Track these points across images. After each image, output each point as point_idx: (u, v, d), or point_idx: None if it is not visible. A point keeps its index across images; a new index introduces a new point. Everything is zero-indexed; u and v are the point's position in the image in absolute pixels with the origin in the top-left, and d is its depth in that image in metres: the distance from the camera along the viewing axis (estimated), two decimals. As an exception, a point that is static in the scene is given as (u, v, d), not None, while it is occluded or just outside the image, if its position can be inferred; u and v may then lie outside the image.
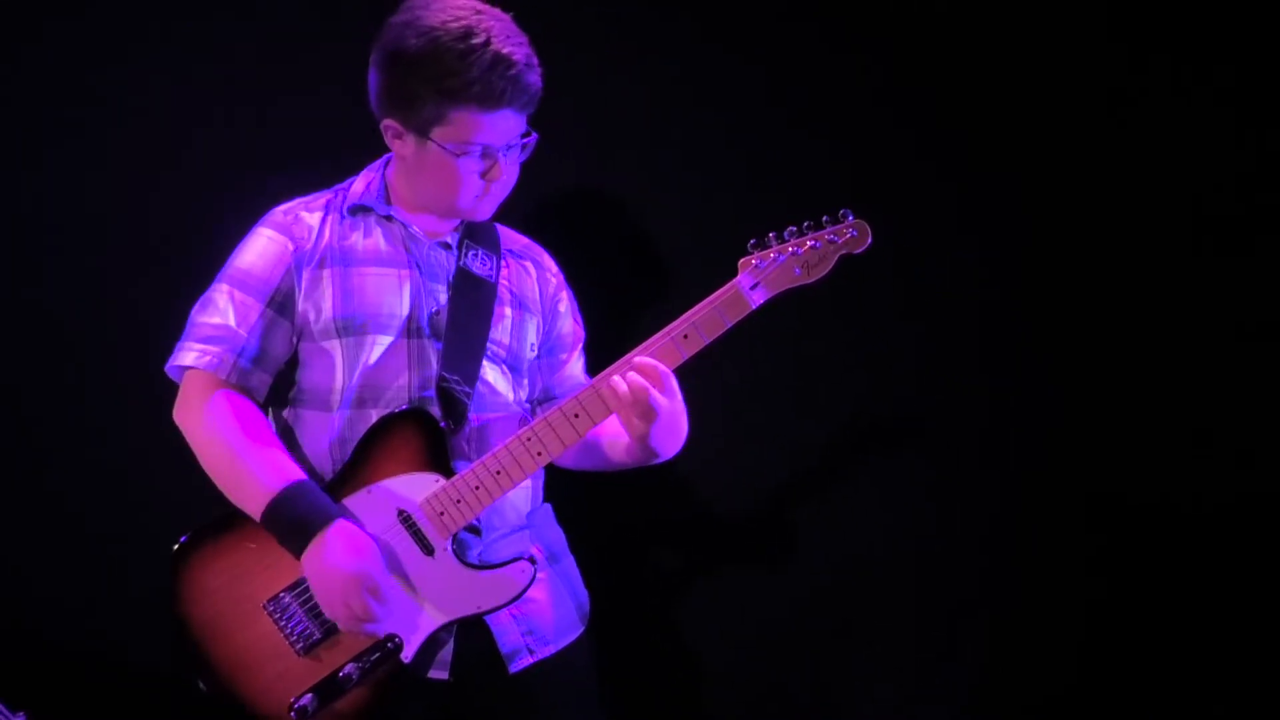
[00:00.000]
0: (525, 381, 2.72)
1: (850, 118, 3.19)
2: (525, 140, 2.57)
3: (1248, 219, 3.07)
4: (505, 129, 2.52)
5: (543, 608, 2.63)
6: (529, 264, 2.76)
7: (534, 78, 2.51)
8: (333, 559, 2.42)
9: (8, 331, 3.23)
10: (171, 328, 2.62)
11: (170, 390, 2.61)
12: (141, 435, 3.10)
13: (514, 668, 2.59)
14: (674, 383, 2.49)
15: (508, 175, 2.57)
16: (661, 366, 2.46)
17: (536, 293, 2.75)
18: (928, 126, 3.16)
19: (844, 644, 3.25)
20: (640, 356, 2.47)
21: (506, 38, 2.48)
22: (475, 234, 2.70)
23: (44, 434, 3.26)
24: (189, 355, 2.56)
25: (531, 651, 2.61)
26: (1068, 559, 3.18)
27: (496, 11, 2.53)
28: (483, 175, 2.55)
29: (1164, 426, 3.13)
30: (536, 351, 2.74)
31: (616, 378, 2.46)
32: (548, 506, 2.77)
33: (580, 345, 2.83)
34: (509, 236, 2.78)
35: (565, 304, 2.80)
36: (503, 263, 2.71)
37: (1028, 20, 3.10)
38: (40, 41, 3.18)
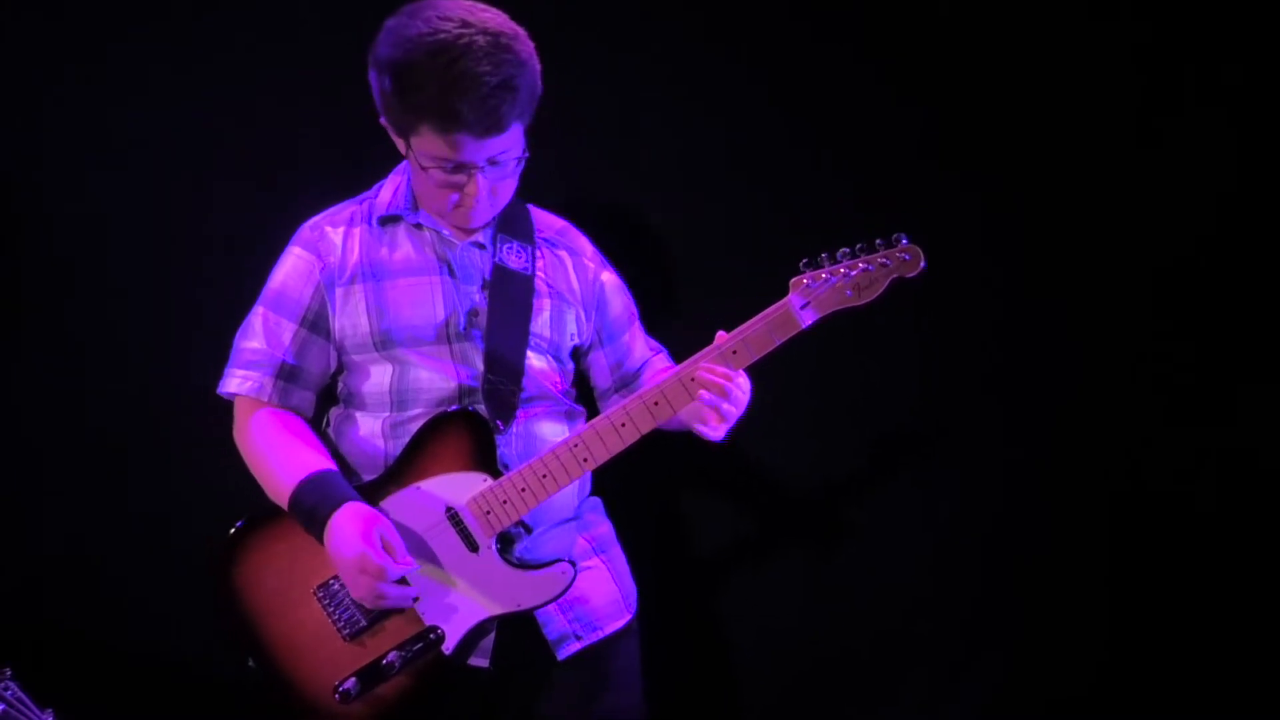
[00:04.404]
0: (569, 368, 2.74)
1: (875, 128, 3.21)
2: (504, 159, 2.50)
3: (1263, 219, 3.09)
4: (470, 150, 2.45)
5: (589, 595, 2.66)
6: (564, 253, 2.73)
7: (502, 103, 2.41)
8: (337, 544, 2.47)
9: (74, 339, 3.29)
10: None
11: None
12: (170, 437, 3.21)
13: (562, 654, 2.63)
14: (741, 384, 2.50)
15: (484, 191, 2.51)
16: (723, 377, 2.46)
17: (575, 283, 2.72)
18: (942, 134, 3.19)
19: (880, 645, 3.29)
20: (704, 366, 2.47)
21: (484, 57, 2.39)
22: (509, 225, 2.68)
23: (70, 436, 3.30)
24: (233, 382, 2.66)
25: (579, 637, 2.65)
26: (1091, 563, 3.21)
27: (493, 24, 2.44)
28: (457, 189, 2.52)
29: (1182, 429, 3.16)
30: (578, 339, 2.73)
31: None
32: (597, 500, 2.79)
33: (636, 318, 2.82)
34: (543, 221, 2.75)
35: (609, 286, 2.77)
36: (538, 252, 2.69)
37: (1049, 30, 3.11)
38: (100, 59, 3.22)
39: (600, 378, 2.80)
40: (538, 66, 2.50)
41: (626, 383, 2.79)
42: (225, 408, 3.20)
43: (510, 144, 2.49)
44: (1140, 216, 3.12)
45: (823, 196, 3.20)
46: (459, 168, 2.48)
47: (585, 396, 2.83)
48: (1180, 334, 3.12)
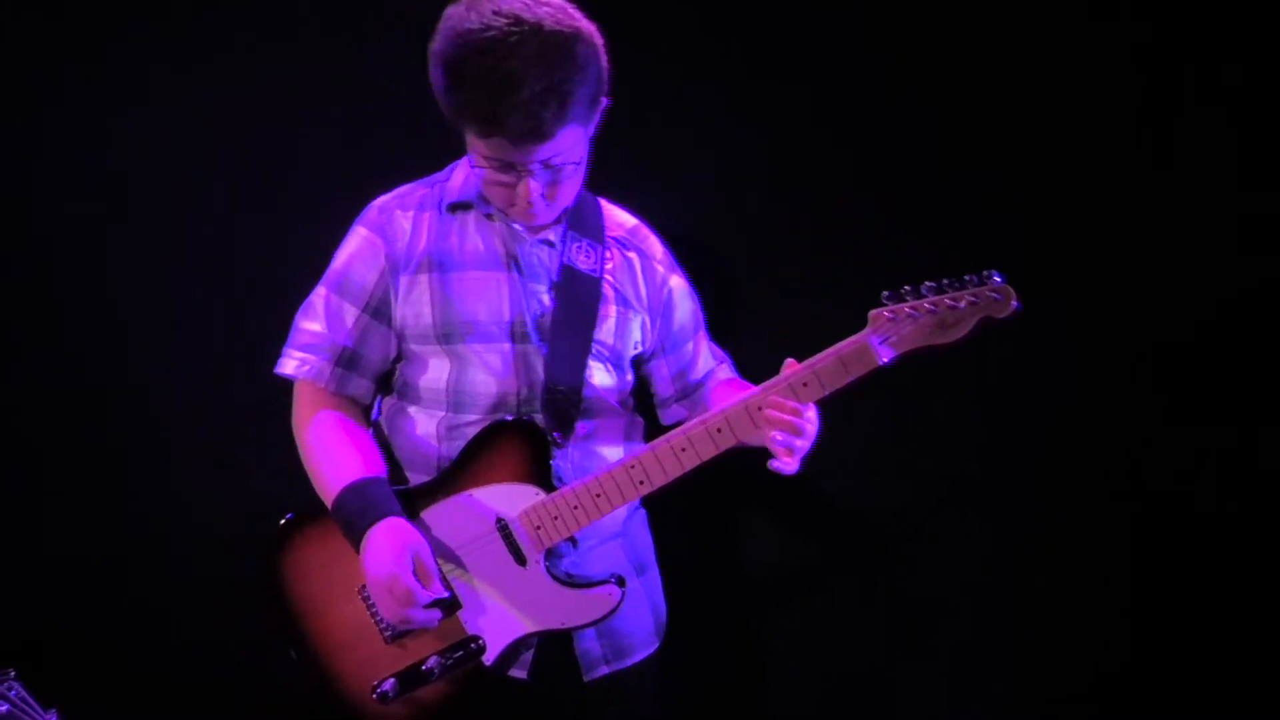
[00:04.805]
0: (629, 376, 2.66)
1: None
2: (558, 164, 2.39)
3: (1263, 218, 3.08)
4: (514, 154, 2.36)
5: (624, 621, 2.61)
6: (634, 255, 2.65)
7: (544, 109, 2.28)
8: (370, 559, 2.44)
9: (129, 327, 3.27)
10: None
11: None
12: (170, 437, 3.21)
13: (588, 676, 2.61)
14: (811, 418, 2.42)
15: (535, 194, 2.41)
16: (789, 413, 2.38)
17: (643, 288, 2.64)
18: (941, 134, 3.18)
19: (889, 649, 3.28)
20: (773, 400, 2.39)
21: (532, 59, 2.27)
22: (580, 221, 2.59)
23: (70, 436, 3.29)
24: (290, 364, 2.58)
25: (608, 663, 2.62)
26: (1090, 563, 3.21)
27: (551, 22, 2.30)
28: (509, 188, 2.43)
29: (1182, 429, 3.14)
30: (641, 348, 2.66)
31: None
32: (643, 513, 2.75)
33: (702, 326, 2.74)
34: (613, 219, 2.67)
35: (678, 292, 2.69)
36: (607, 253, 2.61)
37: (1049, 30, 3.10)
38: (100, 59, 3.20)
39: (662, 386, 2.74)
40: (602, 67, 2.38)
41: (688, 393, 2.74)
42: (229, 407, 3.22)
43: (563, 149, 2.37)
44: (1140, 216, 3.12)
45: (827, 198, 3.20)
46: (507, 167, 2.39)
47: (644, 404, 2.79)
48: (1181, 334, 3.12)
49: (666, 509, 2.80)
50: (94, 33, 3.18)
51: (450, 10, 2.37)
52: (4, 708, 2.10)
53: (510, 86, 2.27)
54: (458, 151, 2.58)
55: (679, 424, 2.52)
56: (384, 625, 2.51)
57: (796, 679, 3.32)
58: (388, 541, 2.43)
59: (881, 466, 3.23)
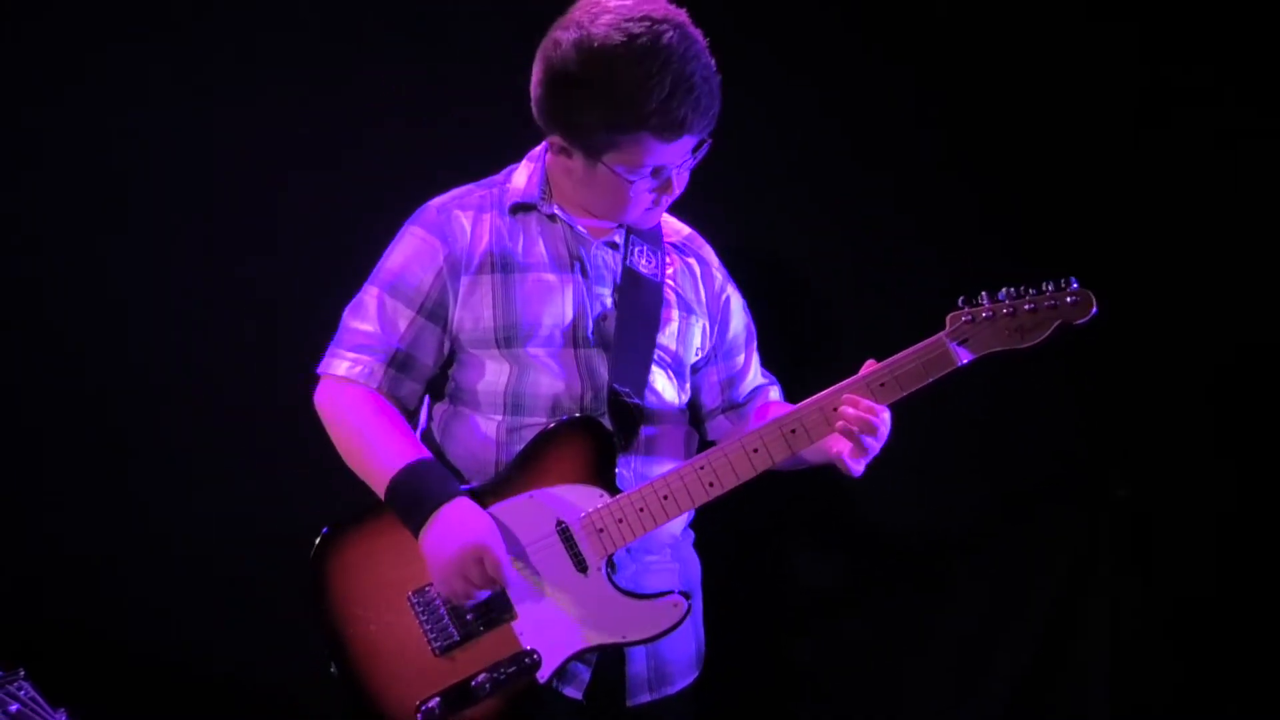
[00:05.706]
0: (687, 385, 2.61)
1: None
2: (699, 152, 2.40)
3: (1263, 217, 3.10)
4: (681, 151, 2.36)
5: (670, 647, 2.53)
6: (693, 260, 2.62)
7: (714, 95, 2.32)
8: (439, 537, 2.33)
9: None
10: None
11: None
12: (172, 437, 3.21)
13: (631, 701, 2.52)
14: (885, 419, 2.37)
15: (679, 188, 2.44)
16: (871, 413, 2.34)
17: (702, 293, 2.61)
18: (939, 136, 3.20)
19: (888, 651, 3.29)
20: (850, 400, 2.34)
21: (685, 52, 2.28)
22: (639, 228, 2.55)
23: (72, 435, 3.27)
24: (341, 365, 2.48)
25: (651, 689, 2.54)
26: (1092, 568, 3.23)
27: (674, 15, 2.32)
28: (654, 191, 2.42)
29: (1185, 431, 3.17)
30: (701, 355, 2.61)
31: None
32: (692, 535, 2.66)
33: (754, 341, 2.70)
34: (669, 226, 2.64)
35: (733, 300, 2.66)
36: (667, 259, 2.57)
37: (1047, 31, 3.12)
38: (100, 59, 3.19)
39: (709, 396, 2.67)
40: None
41: (734, 405, 2.68)
42: (229, 406, 3.22)
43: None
44: (1139, 217, 3.14)
45: (832, 199, 3.21)
46: (658, 172, 2.38)
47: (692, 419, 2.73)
48: (1184, 334, 3.14)
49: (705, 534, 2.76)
50: (94, 33, 3.16)
51: (563, 35, 2.32)
52: (14, 707, 2.09)
53: (685, 83, 2.28)
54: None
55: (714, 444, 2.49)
56: (434, 635, 2.40)
57: (830, 709, 3.32)
58: (469, 515, 2.34)
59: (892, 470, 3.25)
